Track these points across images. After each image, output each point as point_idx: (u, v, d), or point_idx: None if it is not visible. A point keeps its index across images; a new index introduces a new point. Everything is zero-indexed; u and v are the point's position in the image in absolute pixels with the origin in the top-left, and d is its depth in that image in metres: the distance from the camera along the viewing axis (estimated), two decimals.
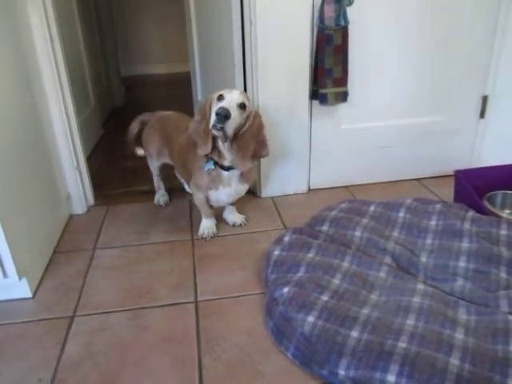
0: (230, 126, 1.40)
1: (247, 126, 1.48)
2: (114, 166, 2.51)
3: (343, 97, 1.87)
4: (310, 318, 1.13)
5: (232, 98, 1.43)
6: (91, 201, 2.02)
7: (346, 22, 1.75)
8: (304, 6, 1.74)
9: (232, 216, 1.82)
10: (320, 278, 1.28)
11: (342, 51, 1.79)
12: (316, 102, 1.90)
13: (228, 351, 1.17)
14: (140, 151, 2.07)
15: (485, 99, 2.06)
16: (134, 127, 2.01)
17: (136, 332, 1.25)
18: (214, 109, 1.39)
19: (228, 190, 1.61)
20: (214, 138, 1.49)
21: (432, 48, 1.94)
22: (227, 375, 1.10)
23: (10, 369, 1.14)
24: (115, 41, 3.93)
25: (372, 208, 1.67)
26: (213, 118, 1.39)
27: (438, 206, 1.65)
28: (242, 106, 1.44)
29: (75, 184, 1.91)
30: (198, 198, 1.68)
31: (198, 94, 2.58)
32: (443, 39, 1.93)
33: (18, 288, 1.39)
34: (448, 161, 2.13)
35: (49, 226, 1.68)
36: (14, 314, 1.34)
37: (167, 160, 1.90)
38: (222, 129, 1.39)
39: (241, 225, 1.79)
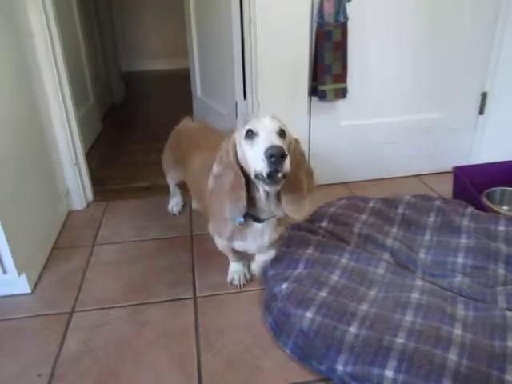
0: (287, 166, 1.01)
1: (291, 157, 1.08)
2: (113, 162, 2.51)
3: (342, 93, 1.87)
4: (309, 314, 1.14)
5: (268, 129, 1.05)
6: (90, 197, 2.02)
7: (346, 18, 1.74)
8: (303, 2, 1.73)
9: (257, 267, 1.45)
10: (319, 273, 1.28)
11: (341, 47, 1.78)
12: (315, 99, 1.90)
13: (227, 347, 1.17)
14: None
15: (484, 96, 2.06)
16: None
17: (135, 328, 1.25)
18: (261, 153, 0.99)
19: (260, 241, 1.27)
20: (249, 189, 1.13)
21: (431, 45, 1.93)
22: (226, 370, 1.10)
23: (10, 364, 1.15)
24: (115, 36, 3.92)
25: (371, 204, 1.67)
26: (263, 165, 0.99)
27: (437, 203, 1.66)
28: (282, 134, 1.08)
29: (74, 180, 1.90)
30: (220, 245, 1.38)
31: (198, 89, 2.58)
32: (443, 36, 1.92)
33: (18, 284, 1.39)
34: (447, 157, 2.13)
35: (48, 222, 1.68)
36: (14, 310, 1.34)
37: (183, 179, 1.64)
38: (278, 175, 1.01)
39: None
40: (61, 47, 1.73)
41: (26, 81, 1.58)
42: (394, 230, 1.55)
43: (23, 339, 1.23)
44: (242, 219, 1.16)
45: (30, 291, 1.41)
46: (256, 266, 1.45)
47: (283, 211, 1.16)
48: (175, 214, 1.86)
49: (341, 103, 1.94)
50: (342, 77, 1.84)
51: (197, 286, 1.42)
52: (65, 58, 1.77)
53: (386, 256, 1.42)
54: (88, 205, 1.99)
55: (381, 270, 1.33)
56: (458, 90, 2.04)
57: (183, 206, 1.91)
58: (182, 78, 3.51)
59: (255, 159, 1.03)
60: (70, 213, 1.92)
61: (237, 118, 2.01)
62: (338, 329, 1.09)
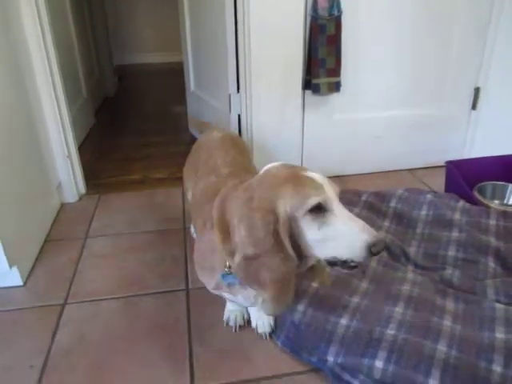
0: None
1: None
2: (106, 155, 2.50)
3: (336, 87, 1.87)
4: (300, 307, 1.14)
5: (336, 199, 0.83)
6: (83, 190, 2.01)
7: (340, 11, 1.74)
8: None
9: (257, 313, 1.21)
10: None
11: (335, 41, 1.78)
12: (309, 92, 1.90)
13: (219, 338, 1.18)
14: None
15: (477, 91, 2.07)
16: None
17: (127, 320, 1.25)
18: (356, 242, 0.79)
19: (253, 301, 1.01)
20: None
21: (425, 39, 1.94)
22: (218, 362, 1.11)
23: (2, 356, 1.14)
24: (107, 29, 3.89)
25: (363, 198, 1.67)
26: (355, 256, 0.80)
27: (429, 197, 1.67)
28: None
29: (66, 173, 1.89)
30: (208, 288, 1.10)
31: (191, 83, 2.57)
32: (437, 30, 1.93)
33: (9, 276, 1.38)
34: (440, 152, 2.14)
35: (40, 215, 1.67)
36: (5, 302, 1.34)
37: None
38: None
39: (264, 335, 1.18)
40: (53, 41, 1.72)
41: (17, 73, 1.57)
42: (387, 223, 1.56)
43: (15, 331, 1.23)
44: (235, 281, 0.93)
45: (21, 283, 1.41)
46: (252, 309, 1.22)
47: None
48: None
49: (334, 97, 1.94)
50: (335, 71, 1.84)
51: (189, 278, 1.42)
52: (57, 51, 1.75)
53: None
54: (80, 198, 1.98)
55: (373, 263, 1.33)
56: (452, 84, 2.05)
57: None
58: (176, 72, 3.50)
59: (332, 243, 0.81)
60: (63, 206, 1.91)
61: (230, 111, 2.00)
62: (329, 321, 1.10)
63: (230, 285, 0.96)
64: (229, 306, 1.24)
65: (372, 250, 0.78)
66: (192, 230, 1.59)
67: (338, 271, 0.86)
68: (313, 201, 0.79)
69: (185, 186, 1.48)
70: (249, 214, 0.82)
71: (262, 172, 0.89)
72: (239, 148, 1.31)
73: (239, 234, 0.83)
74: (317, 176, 0.84)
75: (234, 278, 0.92)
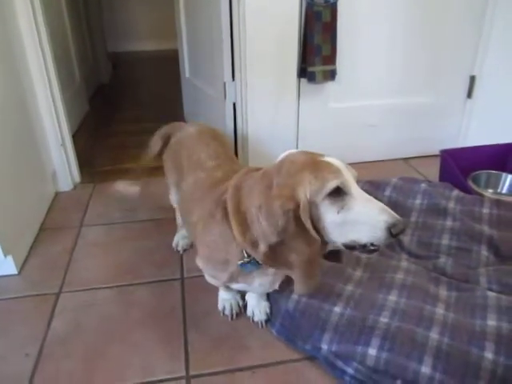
0: None
1: None
2: (100, 144, 2.49)
3: (331, 75, 1.87)
4: (294, 296, 1.15)
5: (354, 182, 0.86)
6: (77, 178, 2.00)
7: None
8: None
9: (255, 300, 1.20)
10: None
11: (330, 28, 1.77)
12: (304, 81, 1.89)
13: (213, 326, 1.18)
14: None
15: (472, 79, 2.07)
16: (156, 143, 1.49)
17: (122, 308, 1.26)
18: (377, 223, 0.81)
19: (268, 286, 1.05)
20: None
21: (421, 28, 1.93)
22: (212, 349, 1.12)
23: None
24: (101, 16, 3.84)
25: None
26: (376, 238, 0.82)
27: (424, 186, 1.67)
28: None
29: (61, 161, 1.89)
30: (210, 281, 1.14)
31: (186, 70, 2.55)
32: (433, 18, 1.92)
33: (4, 265, 1.38)
34: (435, 141, 2.14)
35: (34, 204, 1.67)
36: (0, 291, 1.33)
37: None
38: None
39: (260, 324, 1.18)
40: (46, 27, 1.69)
41: (9, 60, 1.55)
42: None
43: (10, 320, 1.23)
44: (254, 267, 0.94)
45: (16, 272, 1.40)
46: (250, 297, 1.22)
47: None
48: (179, 251, 1.49)
49: (330, 85, 1.94)
50: (331, 59, 1.83)
51: (184, 267, 1.42)
52: (50, 38, 1.74)
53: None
54: (75, 186, 1.97)
55: None
56: (447, 73, 2.04)
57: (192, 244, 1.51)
58: (171, 60, 3.47)
59: (352, 226, 0.82)
60: (57, 194, 1.90)
61: (225, 99, 1.99)
62: (323, 309, 1.10)
63: (249, 273, 0.96)
64: (222, 295, 1.23)
65: (392, 230, 0.79)
66: (179, 221, 1.51)
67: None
68: (332, 184, 0.80)
69: (167, 181, 1.46)
70: (269, 202, 0.81)
71: (279, 159, 0.89)
72: (218, 140, 1.30)
73: (260, 223, 0.83)
74: (334, 161, 0.85)
75: (254, 265, 0.92)
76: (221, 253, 0.96)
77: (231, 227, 0.89)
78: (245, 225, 0.86)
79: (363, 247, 0.84)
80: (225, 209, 0.92)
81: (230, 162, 1.20)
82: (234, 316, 1.21)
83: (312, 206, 0.82)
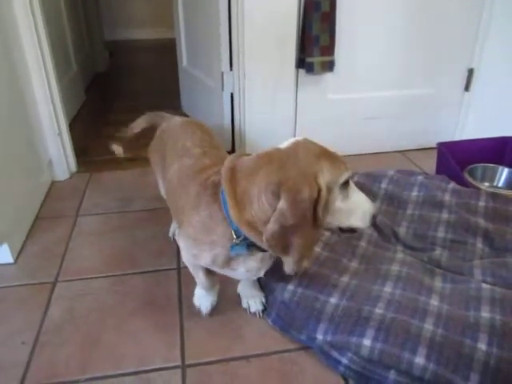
0: None
1: None
2: (97, 133, 2.47)
3: (330, 66, 1.86)
4: (290, 286, 1.16)
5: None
6: (74, 167, 1.99)
7: None
8: None
9: (249, 292, 1.21)
10: None
11: (329, 19, 1.76)
12: (302, 71, 1.88)
13: (209, 316, 1.19)
14: (117, 149, 1.65)
15: (470, 72, 2.06)
16: (138, 125, 1.52)
17: (118, 297, 1.26)
18: (364, 209, 0.92)
19: (255, 272, 1.04)
20: None
21: (420, 20, 1.92)
22: (208, 338, 1.12)
23: None
24: (98, 3, 3.80)
25: (355, 179, 1.68)
26: (362, 223, 0.93)
27: (420, 178, 1.67)
28: None
29: (57, 150, 1.88)
30: (190, 264, 1.11)
31: (184, 59, 2.53)
32: (432, 11, 1.91)
33: (0, 254, 1.38)
34: (432, 133, 2.15)
35: (30, 193, 1.66)
36: None
37: None
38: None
39: (258, 314, 1.20)
40: (41, 13, 1.67)
41: (4, 47, 1.53)
42: (377, 204, 1.57)
43: (6, 308, 1.23)
44: (244, 250, 0.94)
45: (12, 261, 1.40)
46: (243, 287, 1.22)
47: None
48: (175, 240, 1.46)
49: (328, 76, 1.93)
50: (329, 49, 1.82)
51: (180, 257, 1.42)
52: (46, 25, 1.72)
53: (369, 229, 1.43)
54: (71, 175, 1.97)
55: (363, 243, 1.35)
56: (445, 65, 2.04)
57: None
58: (168, 48, 3.44)
59: (350, 213, 0.90)
60: (53, 183, 1.90)
61: (223, 90, 1.98)
62: (318, 299, 1.11)
63: (236, 255, 0.96)
64: (197, 293, 1.19)
65: (371, 212, 0.92)
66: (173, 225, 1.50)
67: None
68: (347, 175, 0.87)
69: (154, 173, 1.45)
70: (294, 187, 0.82)
71: (287, 145, 0.89)
72: (204, 129, 1.29)
73: (268, 204, 0.84)
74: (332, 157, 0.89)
75: (243, 248, 0.93)
76: (207, 233, 0.95)
77: (221, 209, 0.91)
78: (241, 204, 0.87)
79: (345, 230, 0.93)
80: (214, 190, 0.93)
81: (216, 150, 1.20)
82: (209, 312, 1.19)
83: (332, 196, 0.87)
